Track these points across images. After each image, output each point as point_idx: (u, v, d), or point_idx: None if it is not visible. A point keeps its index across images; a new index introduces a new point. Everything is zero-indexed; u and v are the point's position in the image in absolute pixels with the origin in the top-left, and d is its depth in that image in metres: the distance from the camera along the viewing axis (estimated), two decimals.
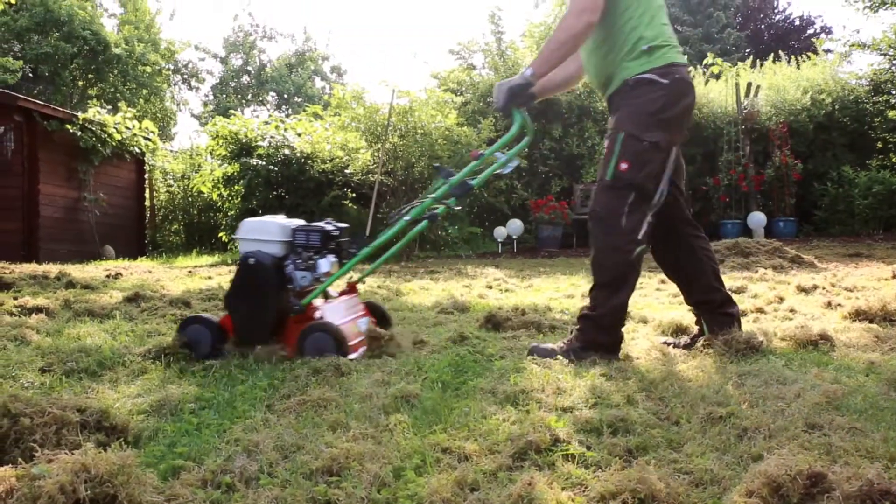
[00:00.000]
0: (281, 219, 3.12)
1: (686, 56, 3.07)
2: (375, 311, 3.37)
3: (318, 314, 2.97)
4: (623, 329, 2.94)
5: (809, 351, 2.89)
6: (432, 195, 3.12)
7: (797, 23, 28.45)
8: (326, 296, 3.16)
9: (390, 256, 3.32)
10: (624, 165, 2.81)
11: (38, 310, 4.09)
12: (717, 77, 13.59)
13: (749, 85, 12.20)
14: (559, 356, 2.78)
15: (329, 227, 3.07)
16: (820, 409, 2.01)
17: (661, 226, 2.95)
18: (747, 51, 26.41)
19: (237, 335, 2.94)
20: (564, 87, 3.48)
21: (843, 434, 1.78)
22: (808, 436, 1.78)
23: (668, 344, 3.10)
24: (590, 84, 3.23)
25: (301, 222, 3.11)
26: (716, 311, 3.05)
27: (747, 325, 3.53)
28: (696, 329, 3.19)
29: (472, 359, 2.88)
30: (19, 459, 1.62)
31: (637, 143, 2.81)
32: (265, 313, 2.93)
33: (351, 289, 3.32)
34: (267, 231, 3.03)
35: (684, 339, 3.18)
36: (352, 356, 2.87)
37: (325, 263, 3.01)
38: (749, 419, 1.92)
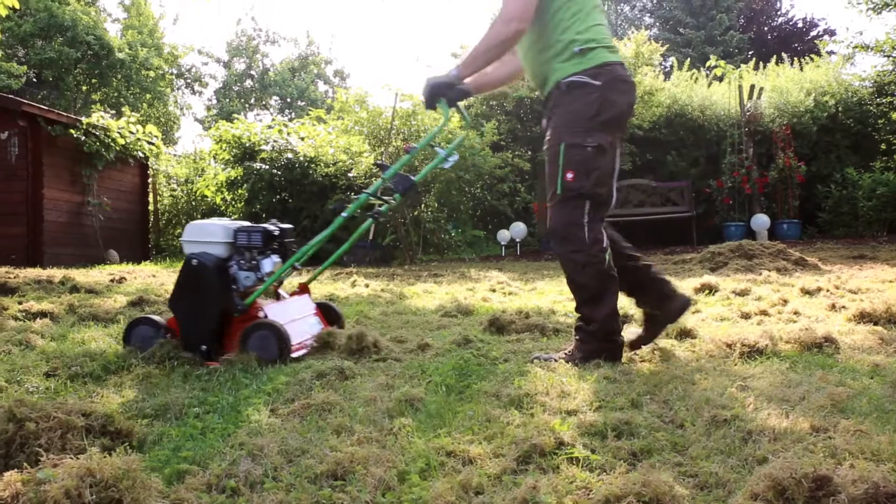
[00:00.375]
0: (224, 221, 3.19)
1: (619, 53, 3.04)
2: (328, 313, 3.44)
3: (262, 313, 3.03)
4: (622, 333, 2.91)
5: (814, 353, 2.88)
6: (367, 191, 3.24)
7: (800, 25, 28.44)
8: (278, 296, 3.26)
9: (339, 256, 3.39)
10: (570, 175, 2.79)
11: (43, 314, 4.10)
12: (720, 79, 13.59)
13: (752, 87, 12.19)
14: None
15: (271, 228, 3.14)
16: (825, 412, 2.01)
17: None
18: (750, 53, 26.43)
19: (182, 336, 2.99)
20: (502, 84, 3.50)
21: (849, 437, 1.77)
22: (813, 438, 1.78)
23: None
24: (529, 82, 3.25)
25: (245, 224, 3.18)
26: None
27: (751, 327, 3.53)
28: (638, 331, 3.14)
29: (476, 362, 2.88)
30: (25, 464, 1.62)
31: (580, 150, 2.79)
32: (209, 314, 2.99)
33: (302, 289, 3.39)
34: (210, 233, 3.08)
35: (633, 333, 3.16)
36: (295, 354, 2.95)
37: (269, 263, 3.09)
38: (754, 422, 1.92)
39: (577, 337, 2.88)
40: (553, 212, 2.90)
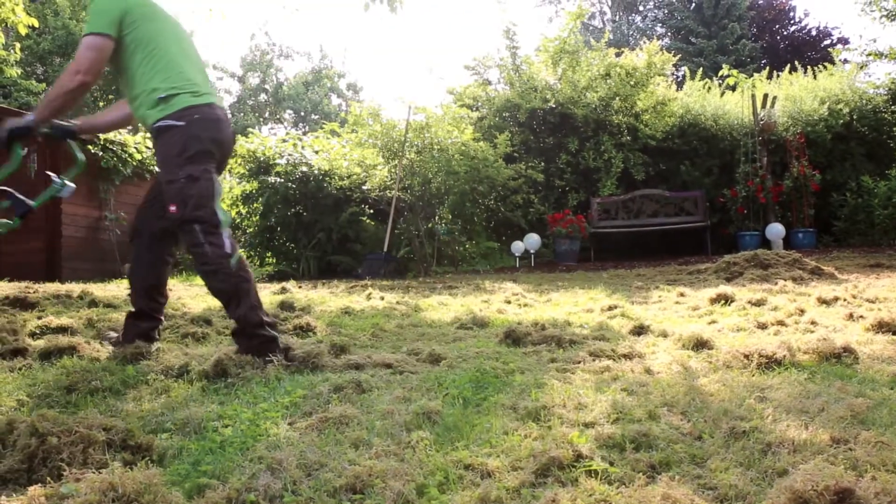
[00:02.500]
0: None
1: (216, 95, 3.42)
2: None
3: None
4: (271, 326, 3.18)
5: (832, 364, 2.87)
6: None
7: (813, 33, 28.34)
8: None
9: None
10: (173, 208, 3.12)
11: (62, 329, 4.13)
12: (733, 88, 13.55)
13: (765, 96, 12.15)
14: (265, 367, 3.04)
15: None
16: (845, 423, 2.00)
17: (142, 229, 3.48)
18: (763, 62, 26.36)
19: None
20: (114, 129, 3.90)
21: (870, 448, 1.76)
22: (833, 450, 1.77)
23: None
24: None
25: None
26: (141, 321, 3.50)
27: (768, 337, 3.51)
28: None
29: (492, 374, 2.88)
30: (48, 478, 1.64)
31: (175, 184, 3.10)
32: None
33: None
34: None
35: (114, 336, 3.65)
36: None
37: None
38: (773, 433, 1.91)
39: (235, 339, 3.20)
40: (184, 240, 3.26)
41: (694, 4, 30.28)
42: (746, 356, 2.91)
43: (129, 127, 4.11)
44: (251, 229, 12.69)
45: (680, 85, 15.50)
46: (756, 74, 13.77)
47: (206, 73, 3.47)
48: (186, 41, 3.37)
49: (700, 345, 3.32)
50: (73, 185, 3.60)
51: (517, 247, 11.60)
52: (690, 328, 3.79)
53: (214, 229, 3.11)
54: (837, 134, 12.17)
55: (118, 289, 7.80)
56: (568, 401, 2.35)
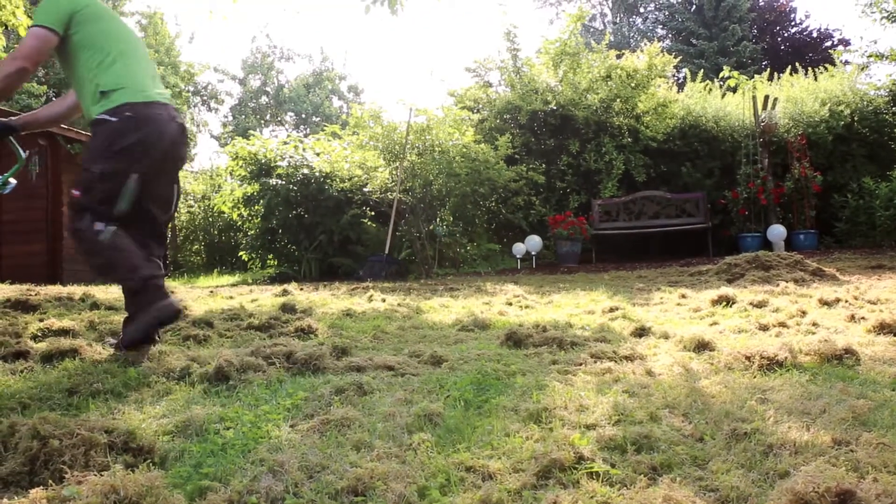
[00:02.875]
0: None
1: (167, 93, 3.57)
2: None
3: None
4: (156, 277, 3.32)
5: (834, 365, 2.86)
6: None
7: (814, 35, 28.34)
8: None
9: None
10: (76, 192, 3.29)
11: (64, 332, 4.13)
12: (734, 90, 13.55)
13: (766, 97, 12.15)
14: (120, 347, 3.34)
15: None
16: (846, 425, 2.00)
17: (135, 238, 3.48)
18: (763, 63, 26.37)
19: None
20: (55, 123, 3.96)
21: (871, 450, 1.76)
22: (835, 452, 1.77)
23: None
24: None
25: None
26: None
27: (770, 339, 3.51)
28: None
29: (494, 376, 2.88)
30: (49, 481, 1.64)
31: (87, 173, 3.28)
32: None
33: None
34: None
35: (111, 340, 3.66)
36: None
37: None
38: (774, 435, 1.91)
39: (134, 308, 3.35)
40: (69, 217, 3.42)
41: (695, 6, 30.29)
42: (748, 358, 2.91)
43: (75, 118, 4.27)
44: (252, 231, 12.70)
45: (681, 87, 15.51)
46: (757, 76, 13.77)
47: (156, 73, 3.59)
48: (133, 41, 3.51)
49: (701, 346, 3.32)
50: (14, 181, 3.72)
51: (518, 248, 11.60)
52: (692, 330, 3.78)
53: (104, 220, 3.27)
54: (838, 135, 12.17)
55: (119, 291, 7.80)
56: (569, 402, 2.35)
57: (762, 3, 29.84)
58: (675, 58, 13.60)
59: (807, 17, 38.50)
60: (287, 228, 12.08)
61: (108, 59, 3.32)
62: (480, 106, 13.87)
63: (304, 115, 36.95)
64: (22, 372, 3.01)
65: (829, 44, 27.13)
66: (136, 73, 3.40)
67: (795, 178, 11.53)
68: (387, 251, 10.83)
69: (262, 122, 37.26)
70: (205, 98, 34.73)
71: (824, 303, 4.68)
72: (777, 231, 11.00)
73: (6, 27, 8.68)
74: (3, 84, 3.20)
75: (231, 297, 6.92)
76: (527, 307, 5.64)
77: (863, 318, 3.93)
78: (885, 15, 13.06)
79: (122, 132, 3.25)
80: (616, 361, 3.13)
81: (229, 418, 2.33)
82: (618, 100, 12.83)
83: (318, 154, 12.59)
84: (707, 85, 14.19)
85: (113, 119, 3.25)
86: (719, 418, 2.11)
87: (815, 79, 13.40)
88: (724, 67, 13.94)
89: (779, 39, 29.24)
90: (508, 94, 13.60)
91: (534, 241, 11.61)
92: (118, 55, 3.35)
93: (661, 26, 35.14)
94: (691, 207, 12.04)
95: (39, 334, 4.08)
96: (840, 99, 12.43)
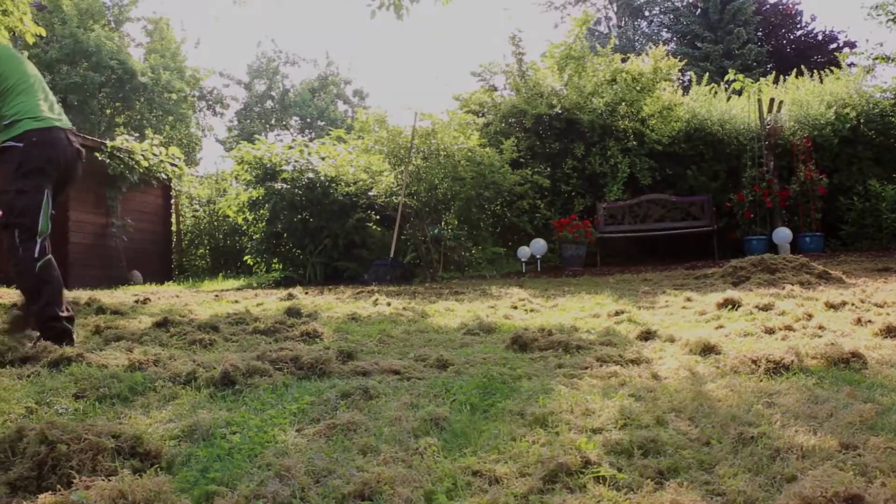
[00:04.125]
0: None
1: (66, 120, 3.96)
2: None
3: None
4: (65, 319, 3.70)
5: (841, 369, 2.85)
6: None
7: (820, 37, 28.28)
8: None
9: None
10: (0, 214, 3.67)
11: None
12: (739, 93, 13.53)
13: (772, 100, 12.13)
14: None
15: None
16: (854, 429, 1.99)
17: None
18: (769, 66, 26.32)
19: None
20: None
21: (879, 454, 1.75)
22: (842, 456, 1.76)
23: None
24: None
25: None
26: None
27: (776, 342, 3.50)
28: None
29: (500, 380, 2.88)
30: (58, 486, 1.65)
31: (6, 194, 3.68)
32: None
33: None
34: None
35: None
36: None
37: None
38: (781, 439, 1.91)
39: (39, 335, 3.70)
40: (4, 236, 3.74)
41: (700, 9, 30.26)
42: (754, 361, 2.90)
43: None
44: (257, 235, 12.73)
45: (686, 90, 15.49)
46: (762, 79, 13.75)
47: (53, 101, 4.01)
48: (33, 75, 3.94)
49: (707, 350, 3.31)
50: None
51: (523, 252, 11.60)
52: (698, 333, 3.78)
53: (31, 236, 3.67)
54: (844, 138, 12.14)
55: (125, 295, 7.83)
56: (575, 406, 2.35)
57: (767, 6, 29.80)
58: (680, 61, 13.59)
59: (813, 19, 38.39)
60: (292, 232, 12.09)
61: (14, 91, 3.77)
62: (485, 110, 13.88)
63: (309, 120, 37.02)
64: (29, 377, 3.03)
65: (834, 46, 27.05)
66: (35, 103, 3.83)
67: (801, 180, 11.50)
68: (392, 255, 10.83)
69: (268, 126, 37.35)
70: (210, 102, 34.85)
71: (830, 306, 4.67)
72: (783, 234, 10.97)
73: (13, 33, 8.71)
74: None
75: (236, 302, 6.93)
76: (532, 311, 5.64)
77: (869, 321, 3.91)
78: (892, 17, 13.03)
79: (28, 155, 3.68)
80: (622, 365, 3.13)
81: (235, 423, 2.33)
82: (623, 103, 12.82)
83: (323, 158, 12.61)
84: (712, 88, 14.17)
85: (19, 145, 3.68)
86: (726, 422, 2.11)
87: (821, 81, 13.36)
88: (730, 70, 13.92)
89: (784, 42, 29.18)
90: (513, 97, 13.61)
91: (539, 245, 11.60)
92: (21, 90, 3.80)
93: (666, 29, 35.12)
94: (696, 210, 12.02)
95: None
96: (846, 101, 12.40)
